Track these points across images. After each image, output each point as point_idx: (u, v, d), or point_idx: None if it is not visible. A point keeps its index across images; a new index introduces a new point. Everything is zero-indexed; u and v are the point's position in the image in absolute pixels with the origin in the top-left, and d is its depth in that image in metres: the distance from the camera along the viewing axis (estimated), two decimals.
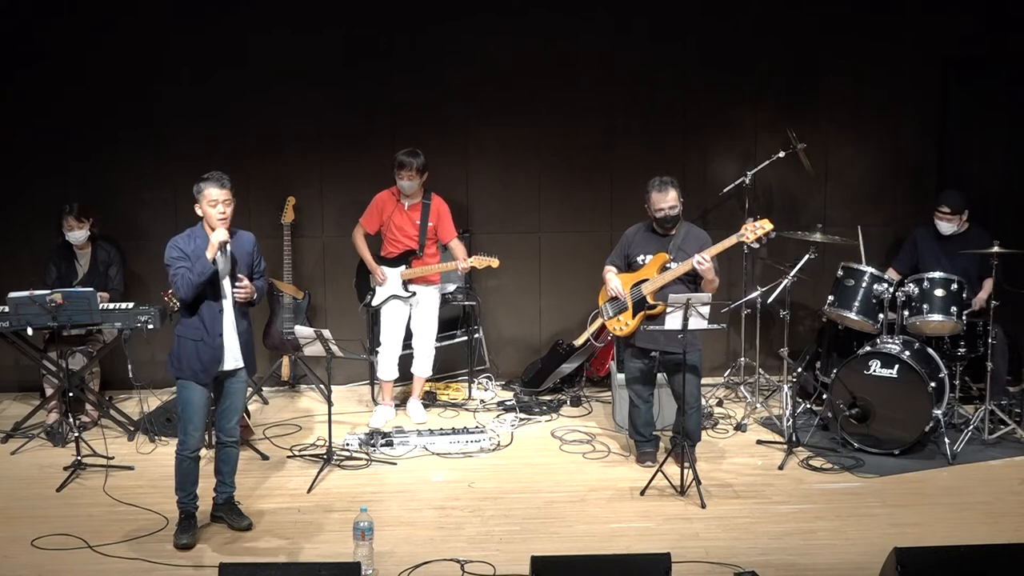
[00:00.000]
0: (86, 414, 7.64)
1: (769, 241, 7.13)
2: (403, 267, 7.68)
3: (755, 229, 6.78)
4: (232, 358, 5.93)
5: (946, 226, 7.65)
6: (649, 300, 6.76)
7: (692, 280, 6.77)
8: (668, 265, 6.78)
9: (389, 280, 7.71)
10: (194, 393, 5.87)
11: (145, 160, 8.25)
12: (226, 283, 5.86)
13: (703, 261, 6.61)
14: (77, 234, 7.67)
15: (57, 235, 7.76)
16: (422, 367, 7.88)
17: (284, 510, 6.38)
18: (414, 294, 7.71)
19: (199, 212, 5.84)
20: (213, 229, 5.78)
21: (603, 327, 7.68)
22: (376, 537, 5.69)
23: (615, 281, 6.89)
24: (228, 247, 5.82)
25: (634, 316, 6.81)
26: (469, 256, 7.64)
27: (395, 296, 7.71)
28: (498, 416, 7.92)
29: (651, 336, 6.72)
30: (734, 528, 6.12)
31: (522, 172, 8.51)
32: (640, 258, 6.87)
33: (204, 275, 5.73)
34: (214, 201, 5.76)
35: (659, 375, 7.01)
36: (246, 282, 5.86)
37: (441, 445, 7.26)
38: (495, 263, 7.59)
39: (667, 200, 6.77)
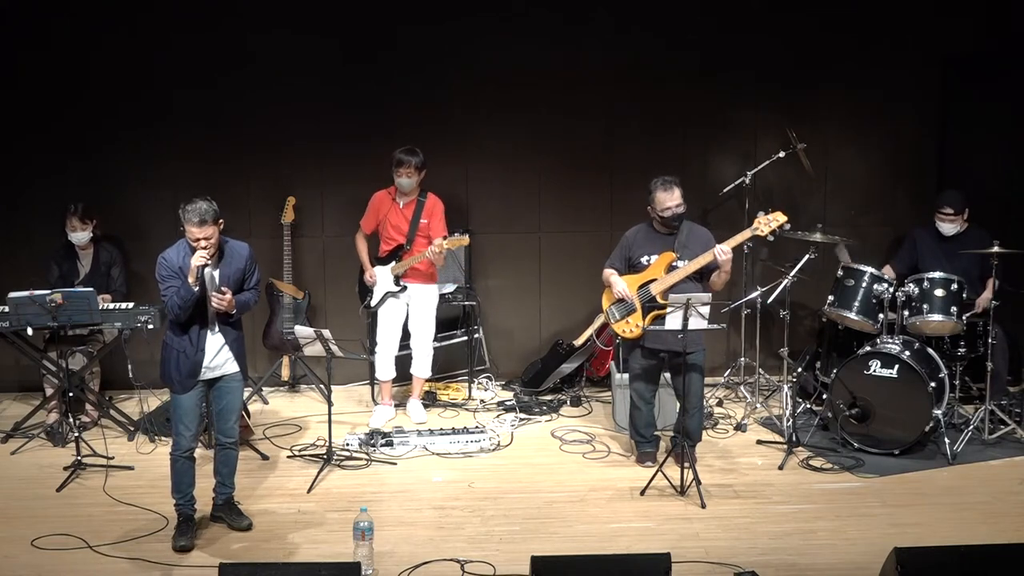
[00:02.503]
0: (86, 414, 7.63)
1: (771, 240, 7.11)
2: (393, 262, 7.70)
3: (769, 222, 6.76)
4: (215, 368, 5.91)
5: (947, 227, 7.65)
6: (659, 300, 6.69)
7: (698, 277, 6.76)
8: (675, 264, 6.75)
9: (380, 278, 7.72)
10: (183, 395, 5.89)
11: (145, 160, 8.25)
12: (213, 299, 5.82)
13: (725, 252, 6.60)
14: (80, 235, 7.67)
15: (60, 234, 7.76)
16: (421, 367, 7.88)
17: (284, 510, 6.38)
18: (405, 288, 7.71)
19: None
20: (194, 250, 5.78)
21: (603, 327, 7.66)
22: (376, 537, 5.69)
23: (621, 284, 6.83)
24: (209, 270, 5.77)
25: (644, 317, 6.78)
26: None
27: (389, 293, 7.72)
28: (498, 416, 7.92)
29: (660, 336, 6.69)
30: (734, 528, 6.12)
31: (522, 172, 8.50)
32: (644, 259, 6.84)
33: (188, 300, 5.73)
34: (194, 237, 5.72)
35: (662, 375, 7.01)
36: (228, 295, 5.81)
37: (441, 445, 7.26)
38: (465, 240, 7.67)
39: (674, 199, 6.75)
